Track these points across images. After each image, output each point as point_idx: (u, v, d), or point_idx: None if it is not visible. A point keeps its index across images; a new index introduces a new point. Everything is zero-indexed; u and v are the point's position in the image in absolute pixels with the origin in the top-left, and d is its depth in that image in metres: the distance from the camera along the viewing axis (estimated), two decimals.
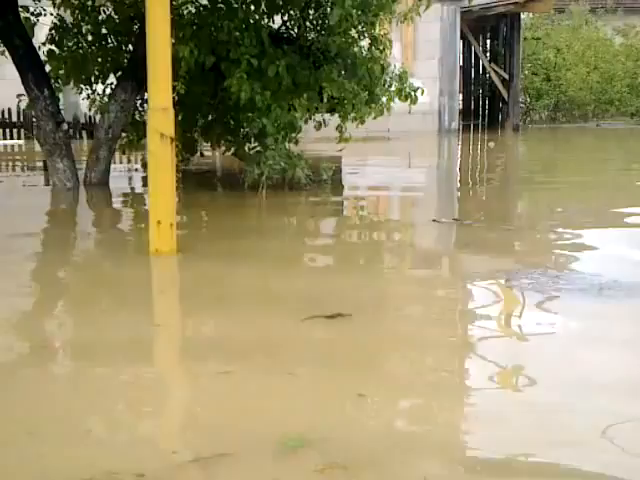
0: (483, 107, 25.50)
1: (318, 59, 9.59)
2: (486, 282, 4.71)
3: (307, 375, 3.10)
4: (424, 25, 19.44)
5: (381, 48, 10.08)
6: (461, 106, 28.69)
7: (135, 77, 8.94)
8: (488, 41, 24.91)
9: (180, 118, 10.43)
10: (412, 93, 10.68)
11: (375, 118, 10.69)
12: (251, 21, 9.09)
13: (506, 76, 21.72)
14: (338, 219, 8.03)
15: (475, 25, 22.27)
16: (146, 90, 10.10)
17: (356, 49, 9.42)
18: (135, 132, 10.47)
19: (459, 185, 11.36)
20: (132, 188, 10.23)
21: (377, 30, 9.80)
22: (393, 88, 10.37)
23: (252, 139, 9.47)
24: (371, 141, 18.05)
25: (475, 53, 23.54)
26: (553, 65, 24.20)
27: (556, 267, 5.08)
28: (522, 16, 24.97)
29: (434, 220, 6.84)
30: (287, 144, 9.71)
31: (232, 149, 10.22)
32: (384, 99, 10.52)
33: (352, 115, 9.62)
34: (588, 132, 21.98)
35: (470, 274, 5.00)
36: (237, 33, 8.84)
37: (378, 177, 11.90)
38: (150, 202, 5.28)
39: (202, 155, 10.94)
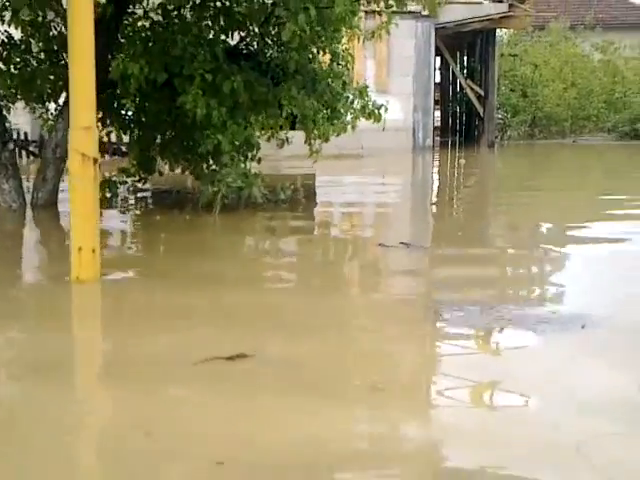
0: (460, 124, 25.38)
1: (277, 75, 9.32)
2: (412, 315, 4.38)
3: None
4: (398, 41, 19.30)
5: (343, 64, 9.81)
6: (439, 123, 28.84)
7: None
8: (465, 57, 24.91)
9: (137, 136, 10.21)
10: (375, 111, 10.40)
11: (338, 135, 10.43)
12: (206, 36, 8.79)
13: (482, 92, 21.55)
14: (286, 240, 7.71)
15: (451, 41, 22.12)
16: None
17: (316, 65, 9.09)
18: None
19: (426, 205, 11.11)
20: None
21: (339, 45, 9.50)
22: (357, 105, 10.09)
23: (208, 157, 9.14)
24: (344, 158, 17.81)
25: (452, 69, 23.39)
26: (530, 81, 24.06)
27: (494, 298, 4.74)
28: (499, 33, 25.00)
29: (380, 244, 6.50)
30: (247, 162, 9.45)
31: (189, 168, 9.90)
32: (349, 116, 10.27)
33: (314, 132, 9.32)
34: (564, 148, 21.79)
35: (398, 305, 4.66)
36: (191, 48, 8.54)
37: (345, 196, 11.66)
38: (72, 227, 4.94)
39: (161, 174, 10.59)
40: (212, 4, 9.26)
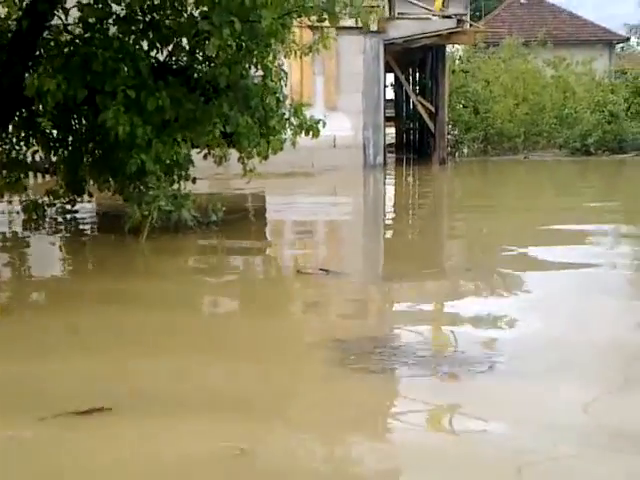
0: (414, 141, 25.20)
1: (208, 92, 8.91)
2: (304, 356, 3.97)
3: None
4: (347, 58, 19.08)
5: (276, 80, 9.42)
6: (394, 140, 28.67)
7: None
8: (417, 74, 24.76)
9: (63, 156, 9.71)
10: (313, 125, 10.03)
11: (275, 153, 10.04)
12: (130, 51, 8.35)
13: (433, 109, 21.34)
14: (200, 265, 7.21)
15: (402, 57, 21.91)
16: (15, 126, 9.50)
17: (248, 81, 8.66)
18: (13, 172, 9.66)
19: (371, 226, 10.76)
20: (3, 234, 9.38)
21: (271, 61, 9.11)
22: (293, 121, 9.72)
23: (134, 178, 8.68)
24: (294, 176, 17.46)
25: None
26: (482, 97, 23.93)
27: (398, 338, 4.34)
28: (452, 49, 24.93)
29: (299, 271, 6.08)
30: (179, 183, 9.02)
31: (117, 189, 9.43)
32: (288, 133, 9.90)
33: (250, 150, 8.92)
34: (516, 165, 21.65)
35: (291, 343, 4.25)
36: (112, 63, 8.08)
37: (290, 215, 11.27)
38: None
39: (91, 195, 10.11)
40: (139, 17, 8.84)
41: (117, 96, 8.03)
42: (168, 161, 8.52)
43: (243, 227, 9.55)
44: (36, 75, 7.72)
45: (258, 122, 8.94)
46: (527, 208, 11.37)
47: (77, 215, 10.28)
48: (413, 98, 22.03)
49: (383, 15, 18.95)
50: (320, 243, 9.00)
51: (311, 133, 10.28)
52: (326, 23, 9.76)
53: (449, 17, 19.61)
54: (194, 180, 9.82)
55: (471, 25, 20.47)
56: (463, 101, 23.92)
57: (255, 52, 8.62)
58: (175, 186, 8.70)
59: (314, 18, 8.94)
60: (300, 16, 8.47)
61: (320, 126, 10.29)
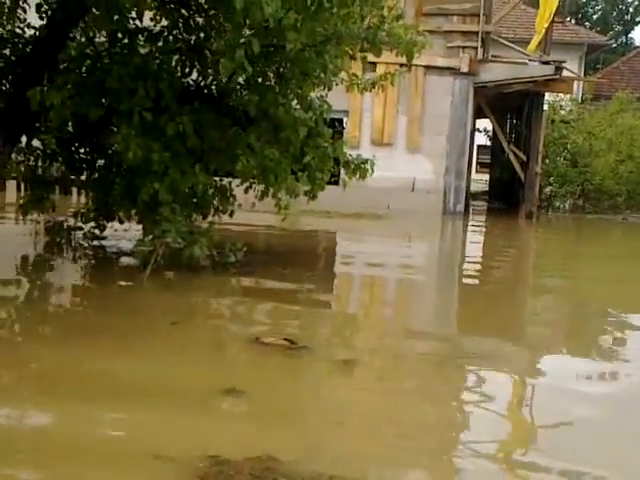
0: (505, 190, 23.88)
1: (240, 121, 8.17)
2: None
3: None
4: (433, 98, 18.15)
5: (317, 113, 8.57)
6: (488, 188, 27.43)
7: (4, 127, 7.60)
8: (513, 121, 23.55)
9: (93, 177, 9.17)
10: (361, 166, 9.15)
11: (312, 195, 9.23)
12: (153, 70, 7.69)
13: (525, 158, 20.08)
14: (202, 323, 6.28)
15: (498, 103, 20.79)
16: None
17: (281, 111, 7.83)
18: (38, 189, 9.16)
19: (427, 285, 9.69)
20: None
21: (309, 91, 8.29)
22: (339, 158, 8.88)
23: (147, 208, 7.98)
24: (366, 218, 16.57)
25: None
26: (581, 151, 22.43)
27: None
28: (554, 98, 23.58)
29: (257, 339, 5.01)
30: (197, 216, 8.31)
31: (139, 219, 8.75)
32: (342, 173, 9.09)
33: (275, 187, 8.09)
34: (612, 226, 20.07)
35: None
36: (130, 82, 7.45)
37: (334, 261, 10.36)
38: None
39: (121, 222, 9.50)
40: (176, 36, 8.22)
41: (132, 118, 7.38)
42: (188, 191, 7.80)
43: (273, 270, 8.65)
44: (39, 88, 7.13)
45: (291, 157, 8.11)
46: (618, 279, 10.07)
47: (104, 242, 9.66)
48: (505, 146, 20.80)
49: (475, 57, 17.99)
50: (365, 304, 7.97)
51: (359, 174, 9.41)
52: (398, 59, 9.08)
53: (547, 63, 18.38)
54: (231, 213, 9.13)
55: (570, 72, 19.08)
56: (560, 153, 22.50)
57: (290, 81, 7.83)
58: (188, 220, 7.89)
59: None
60: (339, 44, 7.55)
61: (369, 166, 9.40)
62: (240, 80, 8.26)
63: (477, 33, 17.90)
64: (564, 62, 18.33)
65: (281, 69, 7.81)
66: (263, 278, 7.90)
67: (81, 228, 9.57)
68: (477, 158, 33.64)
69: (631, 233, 19.04)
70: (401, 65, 18.09)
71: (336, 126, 19.49)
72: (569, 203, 22.75)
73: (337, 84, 9.32)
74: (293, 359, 4.59)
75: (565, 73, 18.99)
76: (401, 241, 13.72)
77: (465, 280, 9.99)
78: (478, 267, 11.46)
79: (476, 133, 24.57)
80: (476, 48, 17.99)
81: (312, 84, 8.21)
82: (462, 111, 18.34)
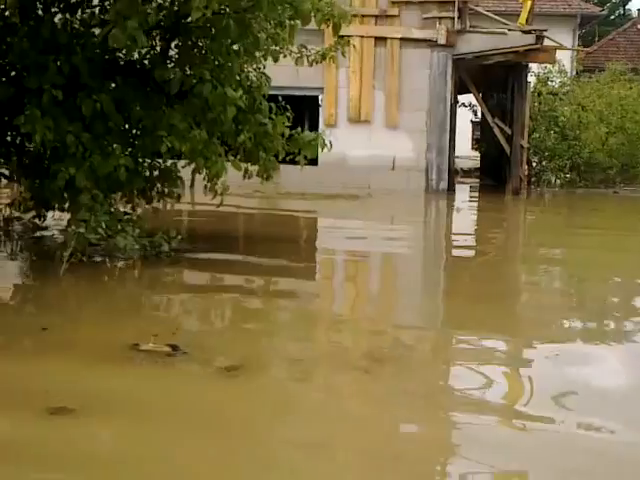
0: (495, 166, 23.15)
1: (168, 98, 7.50)
2: None
3: None
4: (411, 72, 17.47)
5: (256, 85, 7.90)
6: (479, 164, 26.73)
7: None
8: (502, 95, 22.76)
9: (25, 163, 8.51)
10: (311, 142, 8.50)
11: (266, 176, 8.61)
12: (63, 42, 7.02)
13: (510, 132, 19.36)
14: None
15: (481, 76, 20.05)
16: None
17: (206, 88, 7.11)
18: None
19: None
20: None
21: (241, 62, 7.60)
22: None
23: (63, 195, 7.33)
24: (346, 199, 15.88)
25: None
26: (572, 123, 21.66)
27: None
28: (543, 70, 22.82)
29: (135, 345, 4.31)
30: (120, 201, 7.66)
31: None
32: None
33: (208, 170, 7.42)
34: (603, 199, 19.38)
35: None
36: (35, 56, 6.79)
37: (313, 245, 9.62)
38: None
39: (62, 210, 8.88)
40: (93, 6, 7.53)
41: (43, 96, 6.73)
42: (113, 175, 7.13)
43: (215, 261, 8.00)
44: None
45: (226, 136, 7.45)
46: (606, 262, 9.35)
47: (45, 232, 9.00)
48: (489, 120, 20.07)
49: (452, 28, 17.25)
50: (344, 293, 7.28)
51: (307, 151, 8.75)
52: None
53: (528, 32, 17.62)
54: (178, 197, 8.52)
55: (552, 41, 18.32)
56: (549, 126, 21.73)
57: (215, 54, 7.16)
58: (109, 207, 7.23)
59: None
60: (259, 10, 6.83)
61: (319, 142, 8.72)
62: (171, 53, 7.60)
63: (453, 3, 17.15)
64: (545, 31, 17.58)
65: (199, 41, 7.14)
66: (192, 269, 7.25)
67: (20, 218, 8.97)
68: (472, 134, 32.96)
69: (621, 206, 18.33)
70: (376, 38, 17.55)
71: (313, 104, 18.90)
72: (560, 177, 22.05)
73: (285, 56, 8.66)
74: (163, 368, 3.92)
75: (549, 43, 18.26)
76: (377, 223, 12.91)
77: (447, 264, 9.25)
78: (461, 250, 10.64)
79: (463, 108, 23.87)
80: (453, 19, 17.25)
81: (244, 57, 7.53)
82: (441, 85, 17.62)
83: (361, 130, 17.85)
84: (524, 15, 18.80)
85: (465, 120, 26.95)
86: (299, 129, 8.93)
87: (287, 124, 8.00)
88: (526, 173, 20.30)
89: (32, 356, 4.18)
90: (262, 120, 7.73)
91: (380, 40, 17.59)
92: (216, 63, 7.23)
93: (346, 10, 7.39)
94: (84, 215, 6.82)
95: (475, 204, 17.49)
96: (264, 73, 8.13)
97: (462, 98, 24.10)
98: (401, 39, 17.45)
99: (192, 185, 16.37)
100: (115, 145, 6.97)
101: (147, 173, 8.07)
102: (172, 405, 3.47)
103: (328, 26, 7.91)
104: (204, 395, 3.57)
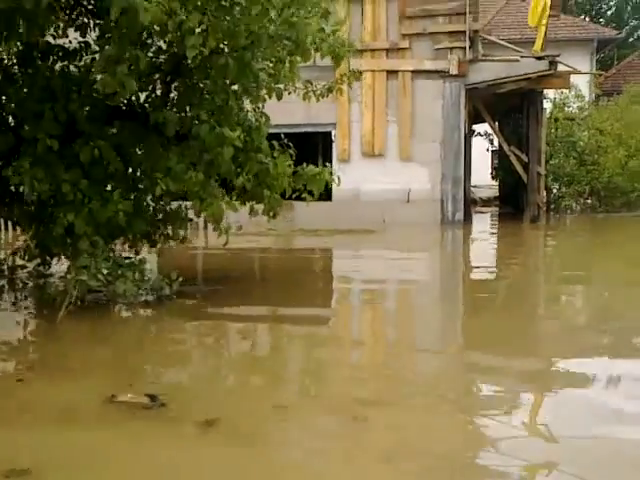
0: (513, 194, 22.96)
1: (166, 140, 7.48)
2: None
3: None
4: (424, 103, 17.39)
5: (255, 125, 7.85)
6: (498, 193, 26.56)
7: None
8: (519, 122, 22.61)
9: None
10: (317, 177, 8.40)
11: (272, 215, 8.54)
12: (60, 89, 7.02)
13: (526, 160, 19.19)
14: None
15: (498, 104, 19.96)
16: None
17: (206, 128, 7.07)
18: None
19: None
20: None
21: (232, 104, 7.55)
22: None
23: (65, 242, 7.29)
24: (359, 234, 15.75)
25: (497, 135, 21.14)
26: (590, 148, 21.45)
27: None
28: (559, 95, 22.69)
29: (112, 397, 4.18)
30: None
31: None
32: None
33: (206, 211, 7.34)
34: (624, 224, 19.06)
35: None
36: (32, 105, 6.81)
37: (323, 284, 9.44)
38: None
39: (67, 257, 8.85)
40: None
41: (38, 145, 6.72)
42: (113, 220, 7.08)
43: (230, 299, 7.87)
44: None
45: (217, 179, 7.39)
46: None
47: (50, 280, 8.97)
48: (505, 148, 19.93)
49: (464, 58, 17.18)
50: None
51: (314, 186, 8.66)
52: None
53: (541, 58, 17.51)
54: (183, 240, 8.49)
55: (565, 66, 18.17)
56: (567, 152, 21.51)
57: (212, 94, 7.12)
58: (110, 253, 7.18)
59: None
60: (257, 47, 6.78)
61: (325, 176, 8.62)
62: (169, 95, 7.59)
63: (464, 33, 17.11)
64: (558, 56, 17.45)
65: (198, 82, 7.11)
66: (191, 312, 7.12)
67: (24, 266, 8.93)
68: (492, 163, 32.77)
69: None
70: (388, 71, 17.53)
71: (326, 139, 18.88)
72: (579, 203, 21.82)
73: (289, 93, 8.62)
74: (136, 422, 3.79)
75: (563, 68, 18.14)
76: (392, 257, 12.63)
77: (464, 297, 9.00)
78: (478, 280, 10.31)
79: (479, 137, 23.79)
80: (464, 48, 17.20)
81: (244, 96, 7.49)
82: (455, 115, 17.53)
83: (375, 164, 17.79)
84: (539, 42, 18.72)
85: (484, 149, 26.85)
86: (304, 165, 8.83)
87: (288, 162, 7.91)
88: (544, 200, 20.09)
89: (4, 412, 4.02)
90: (263, 159, 7.65)
91: (392, 73, 17.57)
92: (216, 103, 7.17)
93: (345, 41, 7.28)
94: (84, 261, 6.77)
95: (491, 233, 17.26)
96: (264, 112, 8.08)
97: (479, 127, 24.09)
98: (413, 71, 17.42)
99: (205, 226, 16.41)
100: (115, 191, 6.92)
101: (151, 216, 8.05)
102: (137, 464, 3.33)
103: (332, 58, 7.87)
104: (175, 455, 3.40)
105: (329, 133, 18.27)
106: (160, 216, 8.30)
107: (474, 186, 29.19)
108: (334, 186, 18.00)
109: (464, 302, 8.37)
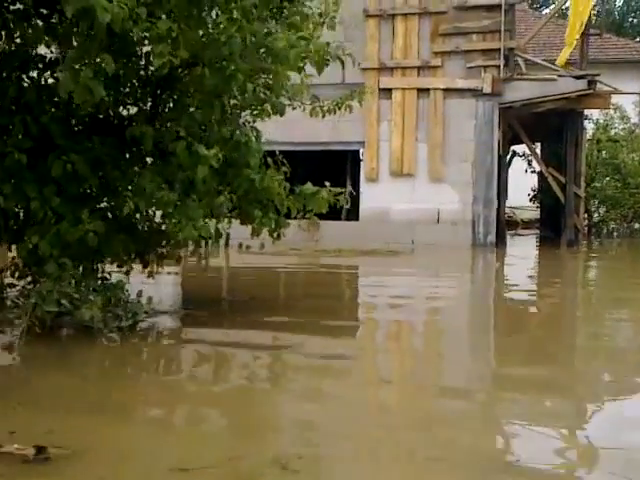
0: (553, 217, 22.17)
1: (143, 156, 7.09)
2: None
3: None
4: (455, 123, 16.85)
5: (244, 141, 7.39)
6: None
7: None
8: (558, 143, 21.85)
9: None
10: (316, 196, 7.86)
11: (277, 235, 8.02)
12: (32, 100, 6.67)
13: (564, 182, 18.45)
14: None
15: (537, 125, 19.26)
16: None
17: (182, 145, 6.61)
18: None
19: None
20: None
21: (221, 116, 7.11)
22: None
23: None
24: (385, 255, 15.17)
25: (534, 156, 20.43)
26: (634, 170, 20.62)
27: None
28: (602, 116, 21.94)
29: (17, 448, 3.54)
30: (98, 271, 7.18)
31: None
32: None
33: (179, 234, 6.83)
34: None
35: None
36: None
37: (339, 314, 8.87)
38: None
39: None
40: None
41: (6, 160, 6.37)
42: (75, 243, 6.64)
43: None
44: None
45: (193, 199, 6.91)
46: None
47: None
48: (543, 170, 19.22)
49: (498, 76, 16.59)
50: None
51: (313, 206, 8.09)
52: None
53: (581, 77, 16.81)
54: (179, 259, 8.04)
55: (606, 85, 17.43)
56: (610, 174, 20.73)
57: (190, 108, 6.71)
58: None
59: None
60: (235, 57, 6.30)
61: (325, 195, 8.04)
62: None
63: (499, 50, 16.52)
64: (597, 75, 16.72)
65: (180, 96, 6.71)
66: (154, 344, 6.59)
67: (13, 285, 8.60)
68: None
69: None
70: (419, 90, 17.01)
71: (354, 159, 18.40)
72: (622, 227, 20.97)
73: (294, 108, 8.17)
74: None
75: (605, 88, 17.40)
76: (433, 282, 11.73)
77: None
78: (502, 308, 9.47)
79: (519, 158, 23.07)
80: (499, 67, 16.60)
81: (238, 110, 7.07)
82: (488, 135, 16.92)
83: (404, 183, 17.27)
84: (565, 55, 18.04)
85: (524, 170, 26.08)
86: (308, 184, 8.28)
87: (278, 178, 7.41)
88: (584, 223, 19.31)
89: None
90: (251, 176, 7.19)
91: (423, 91, 17.08)
92: (196, 119, 6.75)
93: (325, 44, 6.70)
94: (48, 286, 6.37)
95: (523, 258, 16.48)
96: (254, 127, 7.63)
97: (520, 148, 23.36)
98: (445, 89, 16.90)
99: (227, 244, 15.97)
100: (84, 209, 6.51)
101: (143, 235, 7.65)
102: None
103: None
104: None
105: (357, 152, 17.80)
106: (149, 235, 7.88)
107: (516, 207, 28.44)
108: (362, 205, 17.75)
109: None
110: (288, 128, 15.88)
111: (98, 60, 5.73)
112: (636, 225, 21.11)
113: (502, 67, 16.58)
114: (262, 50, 6.34)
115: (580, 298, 10.26)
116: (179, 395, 4.65)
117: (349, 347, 6.56)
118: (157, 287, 8.91)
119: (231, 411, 4.24)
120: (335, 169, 18.79)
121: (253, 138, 7.47)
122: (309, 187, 7.94)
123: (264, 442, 3.63)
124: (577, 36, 17.41)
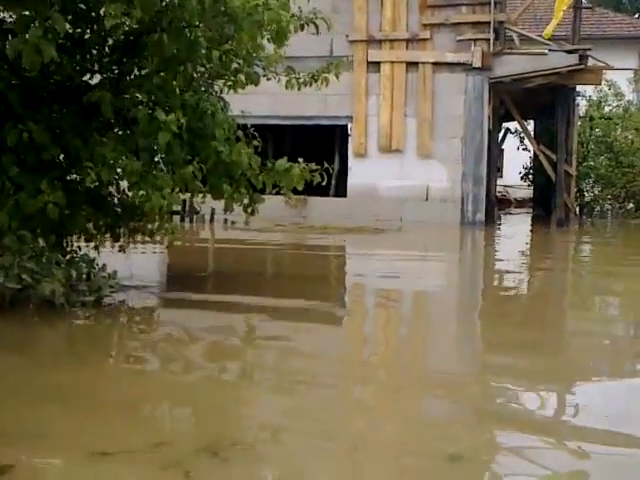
0: (543, 196, 21.92)
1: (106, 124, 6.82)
2: None
3: None
4: (444, 98, 16.53)
5: (210, 111, 7.11)
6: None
7: None
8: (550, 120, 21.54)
9: None
10: (288, 172, 7.59)
11: (251, 211, 7.76)
12: None
13: (555, 159, 18.16)
14: None
15: (528, 101, 18.93)
16: None
17: (143, 112, 6.34)
18: None
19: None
20: None
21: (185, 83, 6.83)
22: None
23: None
24: (373, 233, 14.89)
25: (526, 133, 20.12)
26: (626, 149, 20.31)
27: None
28: (597, 92, 21.62)
29: None
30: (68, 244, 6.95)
31: None
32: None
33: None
34: None
35: None
36: None
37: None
38: None
39: None
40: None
41: None
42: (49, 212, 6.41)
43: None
44: None
45: (151, 168, 6.64)
46: None
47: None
48: (534, 147, 18.93)
49: (488, 50, 16.25)
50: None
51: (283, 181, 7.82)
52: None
53: (572, 52, 16.48)
54: (151, 234, 7.75)
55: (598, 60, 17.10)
56: (602, 152, 20.43)
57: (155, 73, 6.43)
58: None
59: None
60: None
61: (297, 171, 7.78)
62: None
63: (489, 23, 16.18)
64: (589, 49, 16.39)
65: (139, 62, 6.42)
66: (111, 321, 6.31)
67: None
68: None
69: None
70: (407, 63, 16.68)
71: (342, 133, 18.08)
72: (614, 207, 20.71)
73: (269, 79, 7.90)
74: None
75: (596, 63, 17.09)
76: (418, 257, 11.48)
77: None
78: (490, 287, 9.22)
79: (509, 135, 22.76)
80: (489, 40, 16.26)
81: (195, 79, 6.78)
82: (478, 110, 16.61)
83: (392, 160, 16.98)
84: (551, 27, 17.73)
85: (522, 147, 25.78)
86: (282, 160, 7.99)
87: (247, 151, 7.14)
88: (575, 202, 19.07)
89: None
90: (219, 148, 6.92)
91: (412, 65, 16.74)
92: (155, 84, 6.47)
93: (285, 13, 6.35)
94: (6, 260, 6.12)
95: (509, 238, 16.16)
96: (221, 97, 7.34)
97: (513, 125, 23.05)
98: (434, 63, 16.56)
99: (212, 219, 15.70)
100: (43, 180, 6.24)
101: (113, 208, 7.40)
102: None
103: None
104: None
105: (345, 127, 17.49)
106: (121, 209, 7.62)
107: (510, 186, 28.17)
108: (350, 181, 17.45)
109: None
110: (274, 102, 15.64)
111: (51, 22, 5.43)
112: (629, 205, 20.78)
113: (492, 41, 16.23)
114: (221, 14, 6.03)
115: (550, 288, 9.66)
116: (118, 378, 4.39)
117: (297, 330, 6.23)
118: (133, 262, 8.70)
119: (171, 395, 3.98)
120: (324, 144, 18.52)
121: (220, 109, 7.19)
122: (282, 163, 7.66)
123: (200, 429, 3.40)
124: (564, 7, 17.06)
